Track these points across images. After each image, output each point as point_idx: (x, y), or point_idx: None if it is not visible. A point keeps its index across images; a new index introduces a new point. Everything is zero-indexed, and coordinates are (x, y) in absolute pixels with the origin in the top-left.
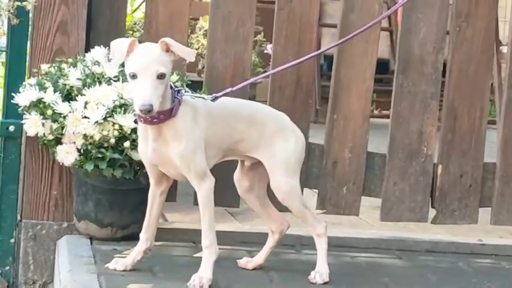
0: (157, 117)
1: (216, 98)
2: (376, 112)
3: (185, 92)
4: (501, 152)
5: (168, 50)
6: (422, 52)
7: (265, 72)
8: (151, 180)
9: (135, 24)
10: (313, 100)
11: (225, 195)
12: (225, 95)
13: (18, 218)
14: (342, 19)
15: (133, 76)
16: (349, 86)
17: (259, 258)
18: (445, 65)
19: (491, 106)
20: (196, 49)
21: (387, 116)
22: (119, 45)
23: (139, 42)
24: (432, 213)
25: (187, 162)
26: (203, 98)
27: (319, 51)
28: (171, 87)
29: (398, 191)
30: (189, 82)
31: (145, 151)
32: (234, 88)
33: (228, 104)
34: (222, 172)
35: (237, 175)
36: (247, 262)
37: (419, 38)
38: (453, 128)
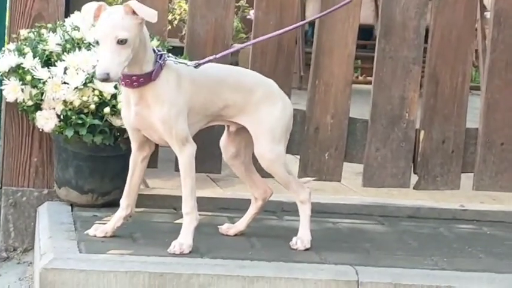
0: (137, 80)
1: (199, 65)
2: (360, 78)
3: (168, 56)
4: (484, 118)
5: (133, 13)
6: (404, 17)
7: (247, 38)
8: (133, 146)
9: None
10: (297, 66)
11: (207, 161)
12: (208, 62)
13: None
14: None
15: (97, 42)
16: (331, 52)
17: (241, 224)
18: (427, 31)
19: (475, 72)
20: (179, 14)
21: (371, 82)
22: (88, 9)
23: None
24: (414, 179)
25: (169, 127)
26: (186, 64)
27: (299, 24)
28: (154, 51)
29: (381, 157)
30: (170, 47)
31: (127, 115)
32: (217, 55)
33: (214, 71)
34: (204, 138)
35: (223, 141)
36: (228, 228)
37: (402, 3)
38: (435, 94)
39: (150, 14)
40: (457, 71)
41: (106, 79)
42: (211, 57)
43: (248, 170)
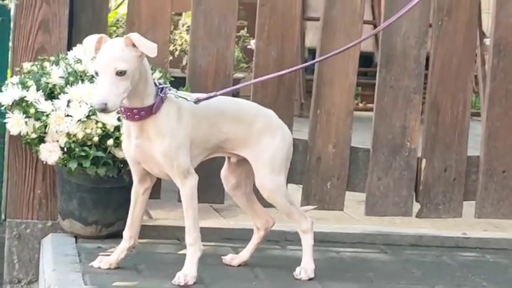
0: (138, 113)
1: (199, 101)
2: (361, 105)
3: (169, 90)
4: (485, 145)
5: (133, 45)
6: (404, 46)
7: (248, 68)
8: (135, 178)
9: (118, 20)
10: (298, 94)
11: (210, 192)
12: (209, 98)
13: (2, 217)
14: (324, 14)
15: (96, 74)
16: (332, 81)
17: (244, 254)
18: (427, 59)
19: (475, 98)
20: (180, 45)
21: (372, 109)
22: (89, 42)
23: None
24: (417, 207)
25: (170, 160)
26: (186, 99)
27: (304, 65)
28: (156, 84)
29: (383, 186)
30: (172, 79)
31: (128, 148)
32: (218, 93)
33: (214, 103)
34: (207, 168)
35: (223, 172)
36: (232, 259)
37: (402, 32)
38: (436, 122)
39: (150, 48)
40: (457, 99)
41: (104, 109)
42: (211, 94)
43: (250, 200)
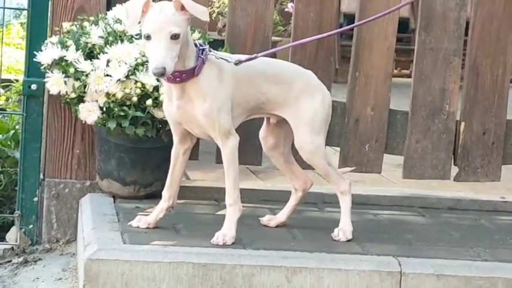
0: (180, 76)
1: (240, 62)
2: (396, 71)
3: (209, 51)
4: None
5: (182, 8)
6: (444, 9)
7: (285, 31)
8: (175, 138)
9: None
10: (333, 59)
11: (247, 153)
12: (249, 60)
13: (41, 176)
14: None
15: (148, 37)
16: (371, 44)
17: (282, 215)
18: (467, 22)
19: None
20: (217, 7)
21: (407, 75)
22: (133, 6)
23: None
24: (455, 170)
25: (212, 121)
26: (227, 60)
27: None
28: (196, 45)
29: (421, 149)
30: (211, 40)
31: (169, 109)
32: (259, 55)
33: (254, 64)
34: (245, 130)
35: (262, 132)
36: (269, 220)
37: None
38: (476, 85)
39: (201, 11)
40: (497, 62)
41: (163, 74)
42: (252, 56)
43: (288, 161)
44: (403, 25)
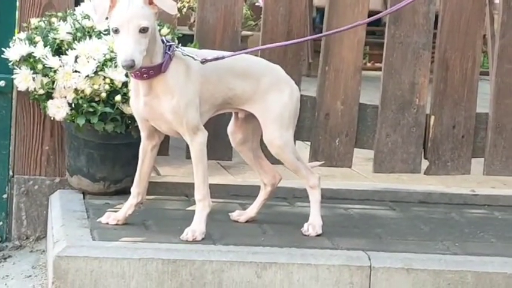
0: (147, 72)
1: (206, 61)
2: (369, 65)
3: (177, 47)
4: (494, 102)
5: (150, 2)
6: (413, 3)
7: (256, 25)
8: (143, 134)
9: None
10: (305, 53)
11: (218, 149)
12: (215, 60)
13: (11, 173)
14: None
15: (116, 31)
16: (341, 38)
17: (252, 210)
18: (437, 16)
19: (484, 57)
20: (188, 2)
21: (380, 69)
22: (100, 1)
23: None
24: (425, 164)
25: (179, 117)
26: (193, 58)
27: (317, 36)
28: (163, 41)
29: (391, 143)
30: (180, 35)
31: (136, 105)
32: (226, 55)
33: (222, 60)
34: (214, 125)
35: (230, 127)
36: (239, 215)
37: None
38: (445, 79)
39: (170, 5)
40: (466, 55)
41: (132, 66)
42: (219, 56)
43: (256, 156)
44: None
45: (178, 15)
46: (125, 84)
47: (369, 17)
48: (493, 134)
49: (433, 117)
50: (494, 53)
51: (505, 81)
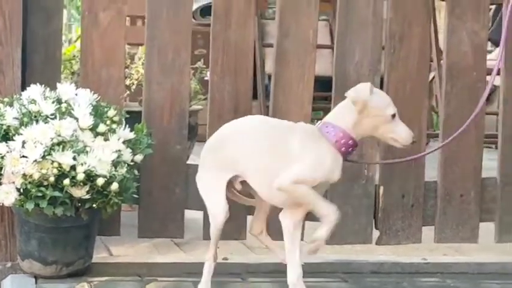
0: None
1: None
2: None
3: None
4: (442, 170)
5: None
6: (358, 75)
7: (206, 99)
8: None
9: (74, 56)
10: None
11: (169, 226)
12: None
13: None
14: (277, 44)
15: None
16: (288, 112)
17: None
18: (382, 83)
19: (437, 118)
20: (136, 79)
21: None
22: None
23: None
24: (376, 234)
25: None
26: None
27: None
28: None
29: (342, 214)
30: (127, 115)
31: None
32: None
33: None
34: (166, 203)
35: None
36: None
37: (355, 61)
38: (392, 149)
39: None
40: (412, 126)
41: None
42: None
43: None
44: (329, 84)
45: (128, 92)
46: (73, 168)
47: (321, 83)
48: (442, 201)
49: (382, 187)
50: (440, 121)
51: (452, 149)
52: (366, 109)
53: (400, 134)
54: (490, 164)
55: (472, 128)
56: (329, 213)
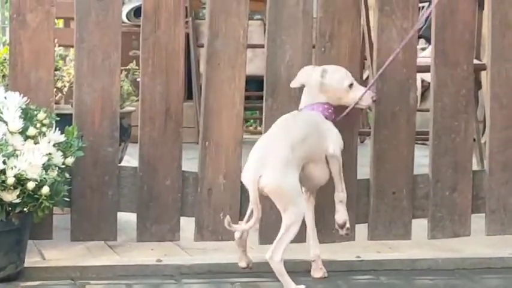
0: None
1: None
2: (259, 128)
3: None
4: (374, 168)
5: None
6: (289, 74)
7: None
8: None
9: (5, 59)
10: (196, 121)
11: (103, 228)
12: None
13: None
14: (208, 45)
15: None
16: (219, 112)
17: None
18: None
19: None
20: (68, 81)
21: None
22: None
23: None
24: None
25: None
26: None
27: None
28: None
29: (275, 214)
30: (58, 118)
31: None
32: None
33: None
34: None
35: None
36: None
37: (286, 61)
38: None
39: None
40: (346, 122)
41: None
42: None
43: None
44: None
45: (59, 94)
46: (3, 172)
47: (257, 83)
48: (375, 199)
49: None
50: (372, 119)
51: (383, 147)
52: (323, 87)
53: (361, 97)
54: (424, 160)
55: (403, 126)
56: (343, 189)
